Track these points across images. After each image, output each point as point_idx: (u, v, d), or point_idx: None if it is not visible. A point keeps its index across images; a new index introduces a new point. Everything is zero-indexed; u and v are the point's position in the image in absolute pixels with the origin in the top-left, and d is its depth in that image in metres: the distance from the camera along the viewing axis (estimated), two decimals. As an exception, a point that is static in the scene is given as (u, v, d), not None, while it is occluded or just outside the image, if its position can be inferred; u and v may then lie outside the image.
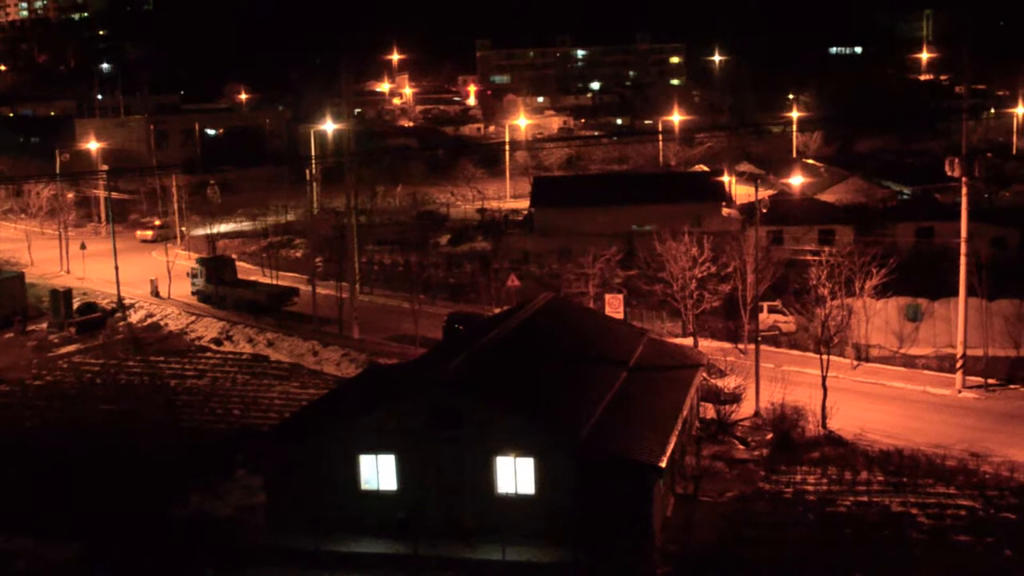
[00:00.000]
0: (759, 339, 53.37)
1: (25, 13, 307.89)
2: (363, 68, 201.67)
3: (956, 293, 54.13)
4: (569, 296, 61.82)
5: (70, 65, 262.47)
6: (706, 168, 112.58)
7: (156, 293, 77.24)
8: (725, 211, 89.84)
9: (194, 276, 75.90)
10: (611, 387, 40.01)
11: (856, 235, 72.77)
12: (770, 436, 45.77)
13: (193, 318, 70.58)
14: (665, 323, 62.58)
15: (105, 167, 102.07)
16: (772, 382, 49.20)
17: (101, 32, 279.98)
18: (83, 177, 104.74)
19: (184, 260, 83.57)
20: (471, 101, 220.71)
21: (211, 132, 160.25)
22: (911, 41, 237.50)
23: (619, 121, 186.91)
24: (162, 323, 70.77)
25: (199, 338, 66.89)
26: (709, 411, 47.94)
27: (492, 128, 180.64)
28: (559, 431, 35.40)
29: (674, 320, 62.36)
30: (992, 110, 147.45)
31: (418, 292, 66.39)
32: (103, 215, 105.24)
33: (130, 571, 35.82)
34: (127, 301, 74.68)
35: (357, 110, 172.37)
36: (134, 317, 72.55)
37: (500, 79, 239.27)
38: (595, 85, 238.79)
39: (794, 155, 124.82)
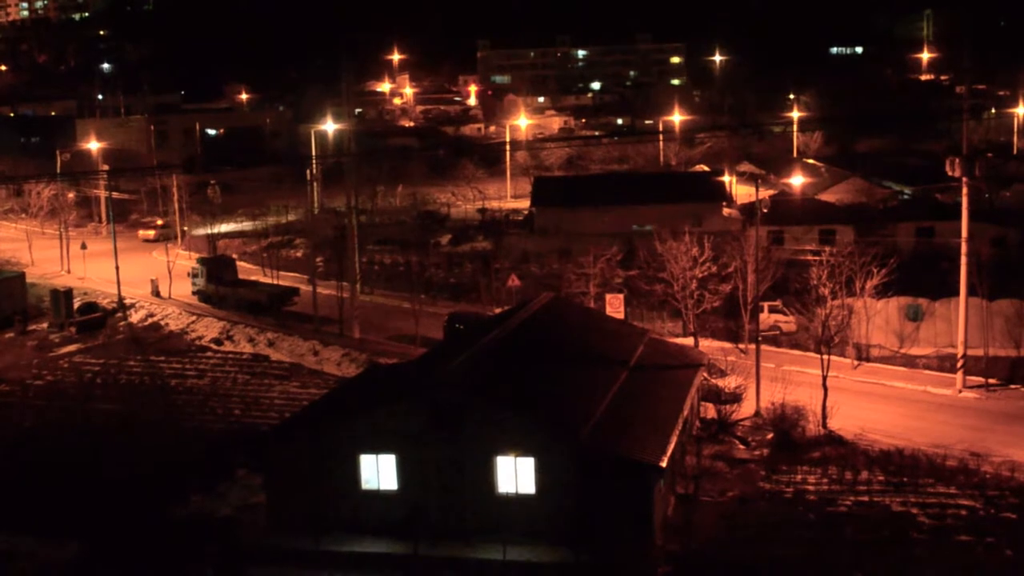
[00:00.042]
0: (760, 339, 53.36)
1: (25, 13, 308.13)
2: (364, 68, 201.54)
3: (957, 293, 54.12)
4: (569, 296, 61.82)
5: (70, 65, 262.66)
6: (706, 168, 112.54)
7: (157, 293, 77.25)
8: (726, 211, 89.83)
9: (195, 276, 75.90)
10: (611, 387, 40.01)
11: (857, 235, 72.80)
12: (770, 436, 45.78)
13: (194, 318, 70.58)
14: (666, 323, 62.56)
15: (105, 167, 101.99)
16: (773, 382, 49.19)
17: (101, 32, 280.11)
18: (83, 177, 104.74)
19: (185, 260, 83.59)
20: (472, 101, 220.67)
21: (211, 132, 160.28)
22: (911, 41, 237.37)
23: (619, 121, 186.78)
24: (163, 323, 70.77)
25: (199, 338, 66.89)
26: (710, 411, 47.94)
27: (493, 128, 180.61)
28: (559, 431, 35.39)
29: (675, 320, 62.35)
30: (993, 110, 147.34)
31: (419, 292, 66.40)
32: (103, 215, 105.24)
33: (130, 571, 35.82)
34: (128, 301, 74.68)
35: (358, 110, 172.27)
36: (135, 317, 72.55)
37: (500, 79, 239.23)
38: (595, 85, 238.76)
39: (794, 155, 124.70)
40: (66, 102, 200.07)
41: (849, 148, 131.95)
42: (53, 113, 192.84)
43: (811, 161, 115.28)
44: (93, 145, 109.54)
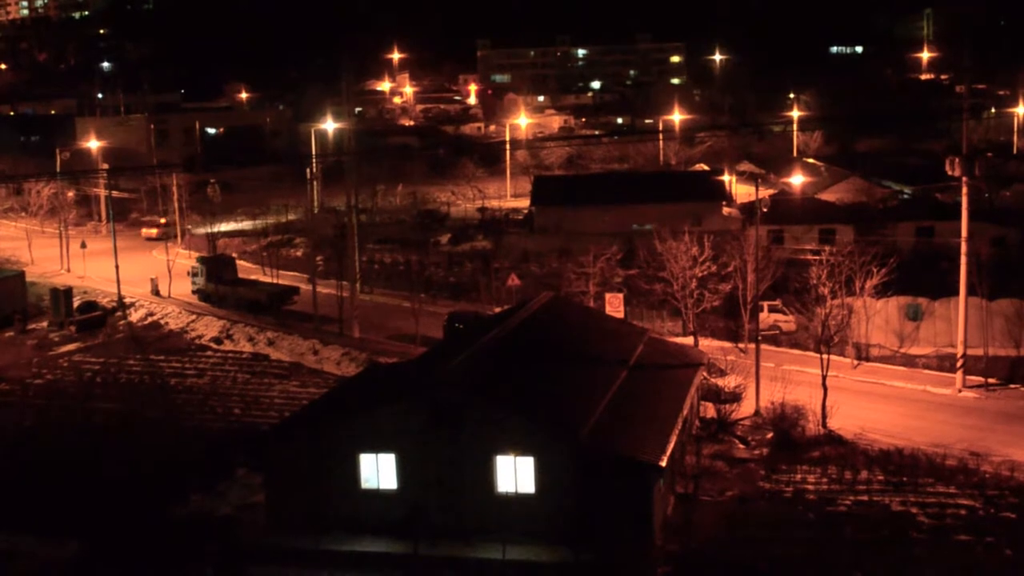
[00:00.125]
0: (759, 338, 53.36)
1: (26, 12, 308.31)
2: (364, 67, 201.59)
3: (956, 292, 54.12)
4: (569, 295, 61.82)
5: (70, 64, 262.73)
6: (706, 167, 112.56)
7: (156, 292, 77.26)
8: (725, 210, 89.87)
9: (194, 275, 75.90)
10: (611, 386, 40.01)
11: (856, 234, 72.80)
12: (770, 435, 45.78)
13: (193, 317, 70.59)
14: (665, 322, 62.56)
15: (105, 166, 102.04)
16: (772, 381, 49.17)
17: (101, 31, 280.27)
18: (83, 176, 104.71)
19: (184, 259, 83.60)
20: (472, 100, 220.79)
21: (212, 131, 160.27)
22: (911, 41, 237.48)
23: (619, 120, 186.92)
24: (162, 322, 70.77)
25: (199, 337, 66.89)
26: (709, 410, 47.94)
27: (493, 127, 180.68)
28: (559, 430, 35.39)
29: (674, 319, 62.34)
30: (993, 110, 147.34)
31: (418, 291, 66.36)
32: (103, 214, 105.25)
33: (130, 570, 35.82)
34: (127, 300, 74.68)
35: (358, 109, 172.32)
36: (134, 316, 72.55)
37: (501, 78, 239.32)
38: (595, 84, 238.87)
39: (794, 154, 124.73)
40: (66, 101, 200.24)
41: (849, 148, 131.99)
42: (53, 112, 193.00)
43: (811, 160, 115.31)
44: (93, 144, 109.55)
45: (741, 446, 45.39)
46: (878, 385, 54.30)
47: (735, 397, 48.57)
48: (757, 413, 48.31)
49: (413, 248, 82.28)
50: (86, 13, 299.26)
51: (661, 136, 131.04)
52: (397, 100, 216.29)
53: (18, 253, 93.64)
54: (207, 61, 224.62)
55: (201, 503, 40.59)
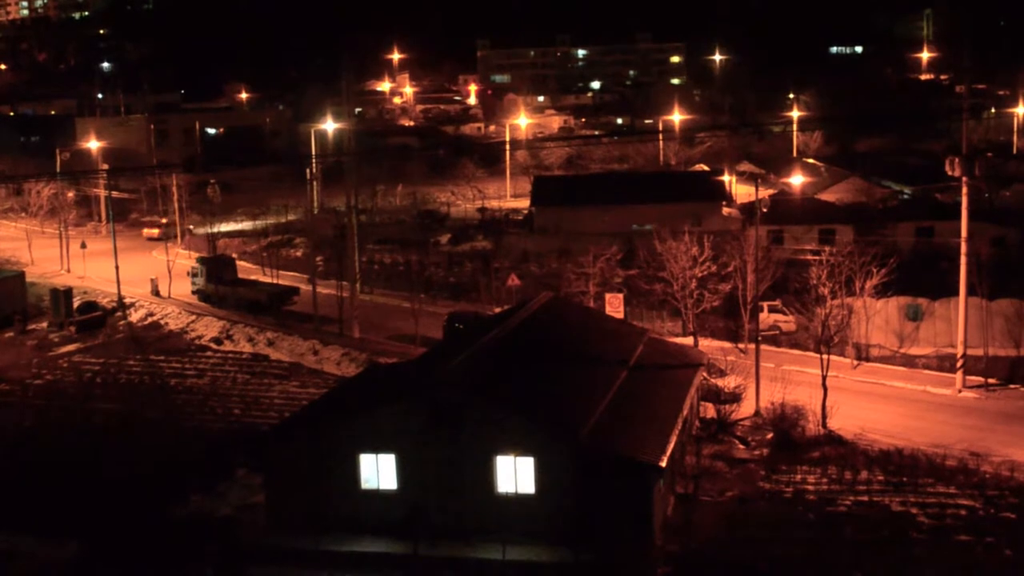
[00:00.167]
0: (759, 338, 53.36)
1: (25, 12, 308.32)
2: (364, 68, 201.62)
3: (956, 293, 54.11)
4: (569, 295, 61.82)
5: (70, 64, 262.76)
6: (706, 168, 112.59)
7: (156, 292, 77.26)
8: (725, 210, 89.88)
9: (194, 275, 75.91)
10: (611, 386, 40.01)
11: (856, 235, 72.80)
12: (770, 436, 45.78)
13: (193, 317, 70.59)
14: (665, 322, 62.56)
15: (105, 166, 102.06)
16: (772, 381, 49.18)
17: (101, 31, 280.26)
18: (83, 176, 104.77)
19: (184, 259, 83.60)
20: (471, 100, 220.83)
21: (211, 131, 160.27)
22: (911, 41, 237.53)
23: (619, 120, 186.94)
24: (162, 322, 70.78)
25: (199, 337, 66.89)
26: (709, 410, 47.93)
27: (492, 127, 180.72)
28: (559, 431, 35.39)
29: (674, 319, 62.34)
30: (992, 110, 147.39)
31: (418, 291, 66.38)
32: (103, 214, 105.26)
33: (130, 571, 35.82)
34: (127, 300, 74.69)
35: (358, 109, 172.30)
36: (134, 316, 72.55)
37: (500, 78, 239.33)
38: (595, 84, 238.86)
39: (794, 155, 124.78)
40: (66, 101, 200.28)
41: (849, 148, 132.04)
42: (53, 112, 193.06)
43: (811, 161, 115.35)
44: (93, 144, 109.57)
45: (741, 446, 45.38)
46: (878, 385, 54.29)
47: (735, 397, 48.55)
48: (757, 413, 48.31)
49: (413, 248, 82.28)
50: (86, 13, 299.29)
51: (661, 136, 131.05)
52: (397, 100, 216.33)
53: (18, 253, 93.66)
54: (207, 61, 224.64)
55: (201, 503, 40.59)
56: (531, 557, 33.92)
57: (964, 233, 53.55)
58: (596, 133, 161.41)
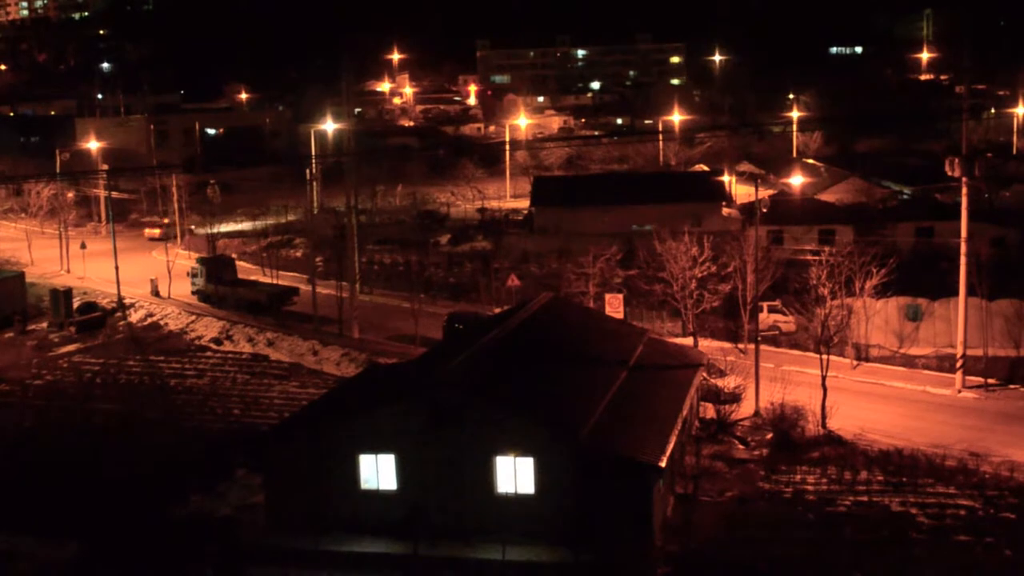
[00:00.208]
0: (759, 339, 53.37)
1: (25, 12, 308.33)
2: (364, 68, 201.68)
3: (956, 293, 54.12)
4: (569, 296, 61.82)
5: (70, 64, 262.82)
6: (706, 168, 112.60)
7: (156, 292, 77.27)
8: (725, 211, 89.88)
9: (194, 276, 75.92)
10: (611, 387, 40.01)
11: (856, 235, 72.78)
12: (770, 436, 45.78)
13: (193, 317, 70.60)
14: (665, 323, 62.57)
15: (105, 167, 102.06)
16: (772, 382, 49.21)
17: (101, 31, 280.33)
18: (83, 176, 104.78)
19: (184, 260, 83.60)
20: (471, 101, 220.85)
21: (211, 132, 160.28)
22: (911, 41, 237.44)
23: (619, 121, 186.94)
24: (162, 323, 70.78)
25: (199, 337, 66.90)
26: (709, 411, 47.94)
27: (492, 128, 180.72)
28: (559, 431, 35.39)
29: (674, 320, 62.36)
30: (992, 110, 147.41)
31: (418, 292, 66.41)
32: (103, 214, 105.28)
33: (130, 571, 35.83)
34: (127, 300, 74.69)
35: (357, 110, 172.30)
36: (134, 316, 72.56)
37: (500, 79, 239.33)
38: (595, 85, 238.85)
39: (794, 155, 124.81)
40: (66, 101, 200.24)
41: (849, 148, 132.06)
42: (53, 112, 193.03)
43: (811, 161, 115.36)
44: (93, 145, 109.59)
45: (741, 447, 45.39)
46: (878, 385, 54.31)
47: (735, 398, 48.56)
48: (757, 414, 48.32)
49: (413, 249, 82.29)
50: (86, 14, 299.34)
51: (661, 137, 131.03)
52: (397, 101, 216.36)
53: (18, 254, 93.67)
54: (207, 62, 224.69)
55: (201, 504, 40.60)
56: (531, 557, 33.92)
57: (964, 233, 53.57)
58: (596, 133, 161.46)
